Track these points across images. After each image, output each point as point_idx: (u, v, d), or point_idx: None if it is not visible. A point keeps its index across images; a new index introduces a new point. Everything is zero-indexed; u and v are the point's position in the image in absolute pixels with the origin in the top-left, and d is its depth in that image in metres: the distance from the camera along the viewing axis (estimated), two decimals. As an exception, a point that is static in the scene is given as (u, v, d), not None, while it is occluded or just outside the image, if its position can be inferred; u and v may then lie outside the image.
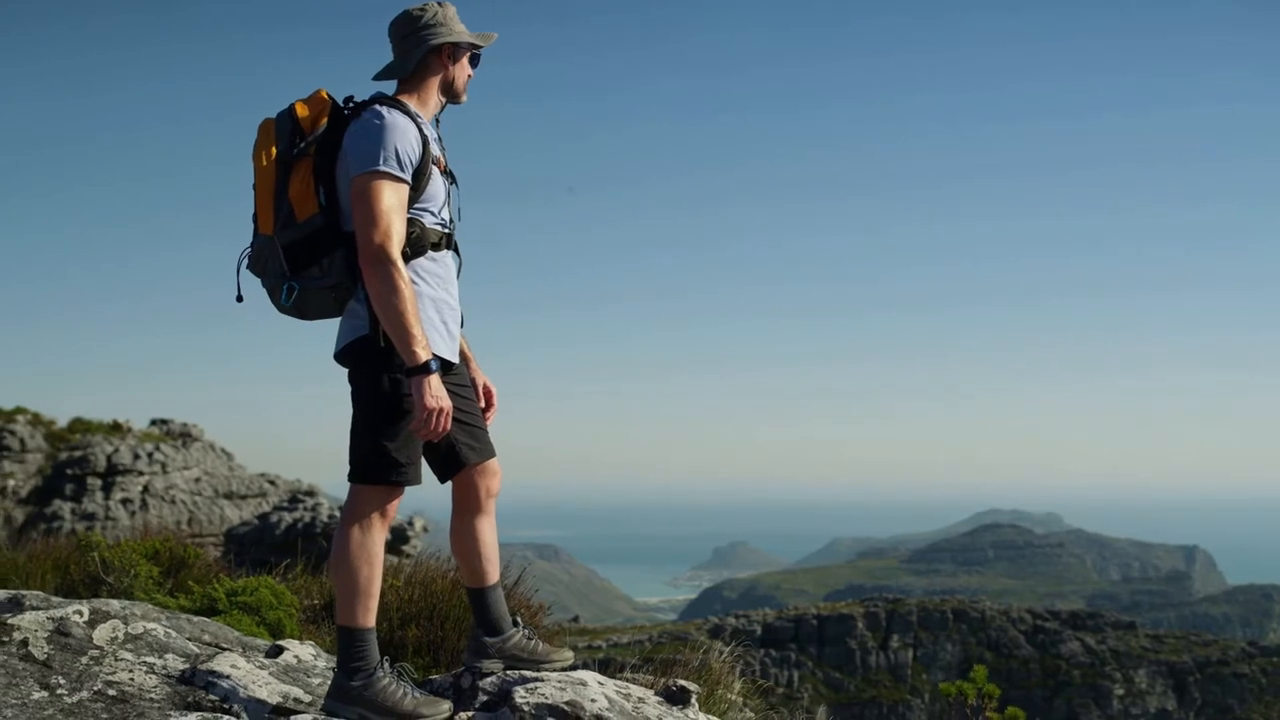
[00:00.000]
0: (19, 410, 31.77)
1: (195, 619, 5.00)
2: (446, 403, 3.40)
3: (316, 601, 6.50)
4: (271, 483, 33.93)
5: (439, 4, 3.74)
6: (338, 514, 22.16)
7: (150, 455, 30.63)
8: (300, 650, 4.61)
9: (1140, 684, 77.02)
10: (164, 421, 34.88)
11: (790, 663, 73.51)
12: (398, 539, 28.08)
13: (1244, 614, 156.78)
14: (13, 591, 5.27)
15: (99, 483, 29.13)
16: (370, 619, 3.52)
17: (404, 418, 3.48)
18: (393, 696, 3.48)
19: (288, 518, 28.42)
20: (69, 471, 29.06)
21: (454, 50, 3.76)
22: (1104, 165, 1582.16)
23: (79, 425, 32.15)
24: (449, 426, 3.44)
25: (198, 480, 31.93)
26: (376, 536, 3.52)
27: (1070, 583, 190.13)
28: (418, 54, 3.69)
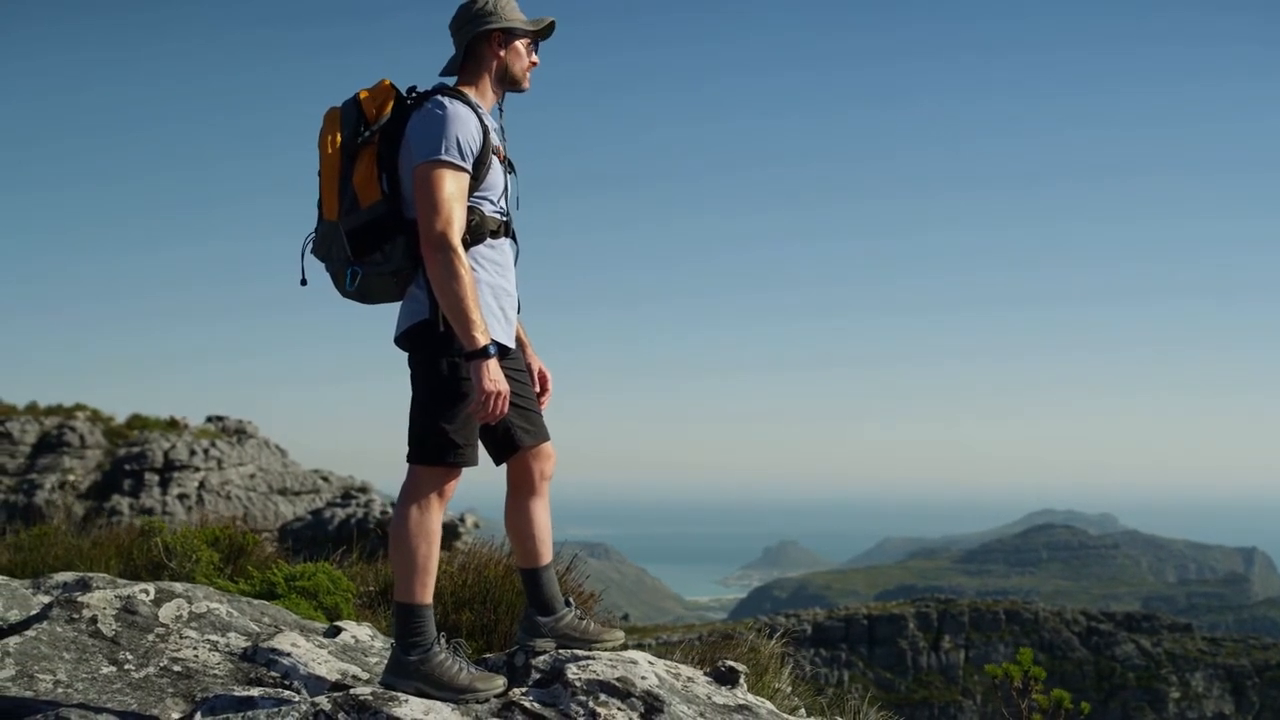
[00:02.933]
0: (79, 407, 32.40)
1: (255, 602, 5.14)
2: (504, 386, 3.48)
3: (371, 588, 6.63)
4: (325, 479, 34.31)
5: None
6: (390, 511, 22.42)
7: (206, 452, 31.07)
8: (357, 631, 4.73)
9: (1197, 687, 76.00)
10: (219, 418, 35.36)
11: (841, 663, 73.31)
12: (449, 535, 28.29)
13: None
14: (80, 574, 5.45)
15: (156, 478, 29.58)
16: (427, 596, 3.61)
17: (462, 400, 3.57)
18: (449, 671, 3.56)
19: (341, 513, 28.76)
20: (127, 467, 29.54)
21: (504, 37, 3.82)
22: (1164, 171, 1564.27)
23: (137, 422, 32.71)
24: (506, 410, 3.51)
25: (252, 476, 32.36)
26: (434, 515, 3.61)
27: (1125, 584, 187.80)
28: (464, 42, 3.80)
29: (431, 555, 3.60)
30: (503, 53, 3.83)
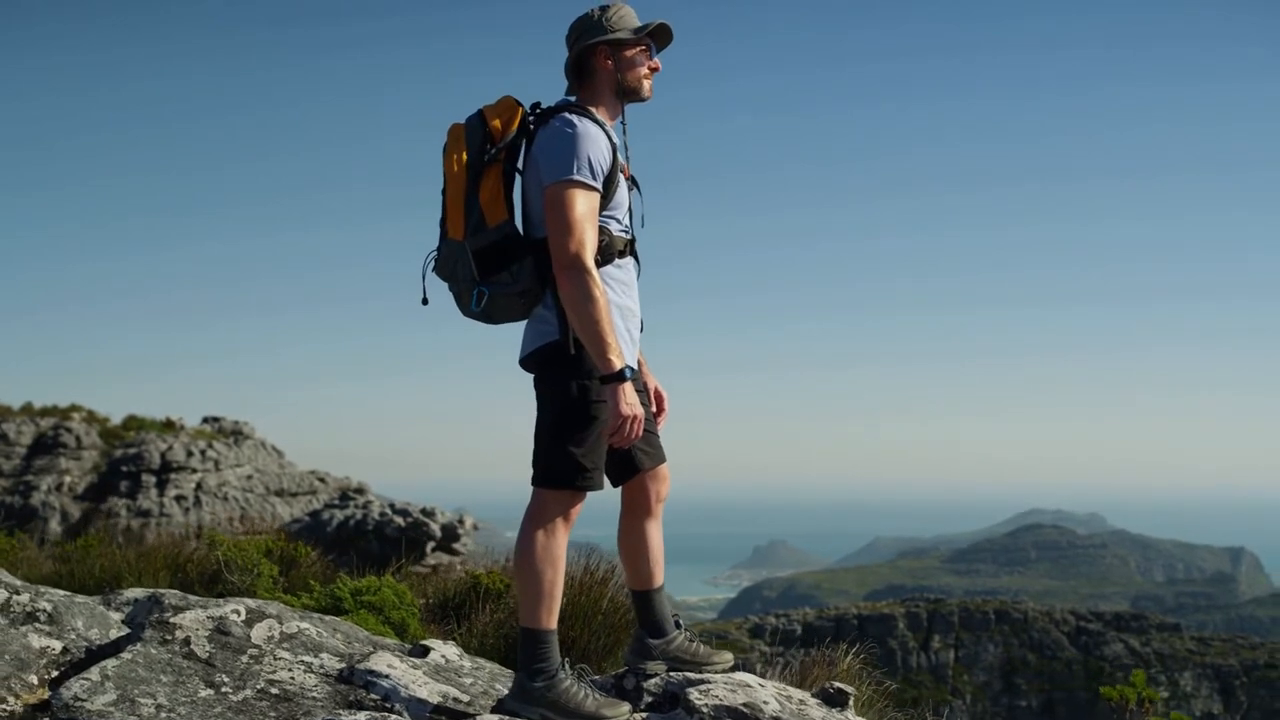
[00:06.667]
0: (74, 408, 32.21)
1: (326, 618, 5.03)
2: (639, 410, 3.39)
3: (430, 601, 6.54)
4: (321, 480, 34.12)
5: (602, 7, 3.71)
6: (389, 512, 22.24)
7: (203, 453, 30.86)
8: (446, 650, 4.63)
9: (1185, 687, 76.13)
10: (215, 419, 35.18)
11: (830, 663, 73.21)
12: (449, 537, 28.20)
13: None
14: (149, 590, 5.34)
15: (153, 480, 29.37)
16: (552, 621, 3.53)
17: (592, 423, 3.48)
18: (575, 698, 3.49)
19: (339, 515, 28.54)
20: (124, 469, 29.33)
21: (611, 49, 3.69)
22: (1158, 172, 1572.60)
23: (133, 423, 32.52)
24: (640, 434, 3.44)
25: (249, 477, 32.15)
26: (560, 540, 3.53)
27: (1113, 584, 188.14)
28: (573, 59, 3.69)
29: (557, 581, 3.52)
30: (611, 64, 3.69)
